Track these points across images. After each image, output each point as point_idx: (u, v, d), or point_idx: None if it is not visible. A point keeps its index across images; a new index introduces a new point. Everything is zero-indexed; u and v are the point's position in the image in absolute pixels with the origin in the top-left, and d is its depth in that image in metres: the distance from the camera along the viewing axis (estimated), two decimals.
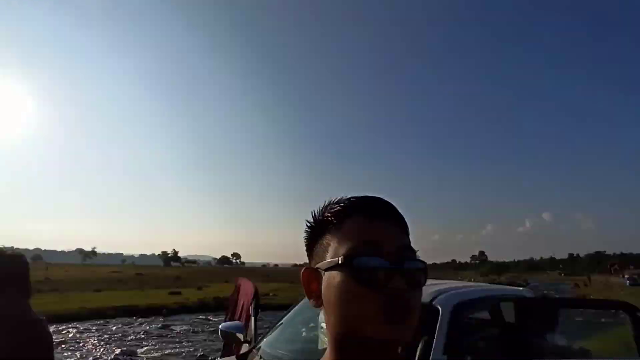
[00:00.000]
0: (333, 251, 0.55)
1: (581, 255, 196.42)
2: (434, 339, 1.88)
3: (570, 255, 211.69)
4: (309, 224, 0.63)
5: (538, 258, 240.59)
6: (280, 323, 2.77)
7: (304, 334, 3.73)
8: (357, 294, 0.50)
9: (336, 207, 0.59)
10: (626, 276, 64.68)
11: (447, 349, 1.86)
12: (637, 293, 33.41)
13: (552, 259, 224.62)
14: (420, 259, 0.57)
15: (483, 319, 2.50)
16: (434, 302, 2.10)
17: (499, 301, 2.54)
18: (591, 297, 28.78)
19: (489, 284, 3.07)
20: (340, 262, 0.52)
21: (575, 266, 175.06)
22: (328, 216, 0.59)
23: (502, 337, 2.43)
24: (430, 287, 2.38)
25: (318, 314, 3.93)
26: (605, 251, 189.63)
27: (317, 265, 0.58)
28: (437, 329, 1.93)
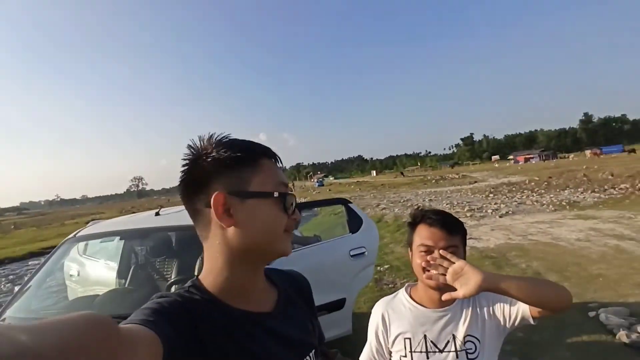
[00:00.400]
0: (260, 184, 0.69)
1: (287, 167, 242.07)
2: None
3: None
4: (195, 156, 0.70)
5: None
6: (28, 286, 2.28)
7: (55, 290, 3.18)
8: (281, 219, 0.70)
9: (247, 148, 0.71)
10: (315, 179, 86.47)
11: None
12: (322, 190, 45.19)
13: None
14: None
15: None
16: None
17: None
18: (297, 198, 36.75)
19: None
20: (275, 195, 0.69)
21: None
22: (241, 154, 0.69)
23: None
24: None
25: (63, 270, 3.40)
26: (303, 162, 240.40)
27: (238, 192, 0.68)
28: None
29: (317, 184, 71.62)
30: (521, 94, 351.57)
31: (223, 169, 0.68)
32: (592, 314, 3.94)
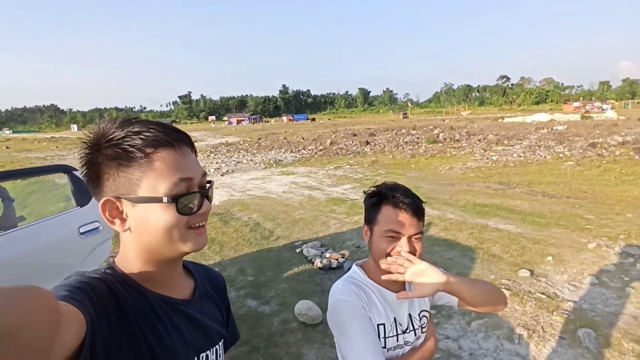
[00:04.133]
0: (149, 188, 0.63)
1: None
2: None
3: None
4: (90, 149, 0.64)
5: None
6: None
7: None
8: (177, 222, 0.65)
9: (142, 140, 0.63)
10: None
11: None
12: None
13: None
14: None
15: None
16: None
17: None
18: None
19: None
20: (166, 200, 0.63)
21: None
22: (132, 151, 0.62)
23: None
24: None
25: None
26: None
27: (126, 197, 0.63)
28: None
29: None
30: (236, 60, 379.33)
31: (114, 169, 0.63)
32: (298, 250, 5.04)
